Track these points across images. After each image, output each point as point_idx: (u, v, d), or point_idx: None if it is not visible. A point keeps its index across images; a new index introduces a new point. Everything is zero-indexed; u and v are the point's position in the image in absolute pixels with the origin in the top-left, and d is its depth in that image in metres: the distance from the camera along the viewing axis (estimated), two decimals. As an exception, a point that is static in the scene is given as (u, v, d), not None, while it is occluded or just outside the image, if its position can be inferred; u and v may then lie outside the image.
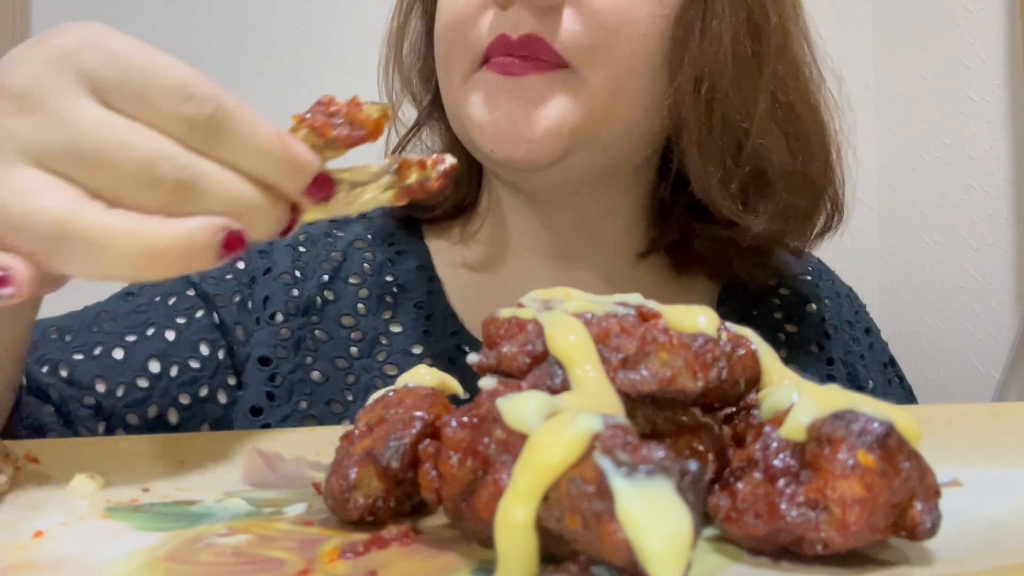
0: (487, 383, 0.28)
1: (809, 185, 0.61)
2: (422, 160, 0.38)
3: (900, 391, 0.71)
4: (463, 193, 0.68)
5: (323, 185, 0.36)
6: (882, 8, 1.60)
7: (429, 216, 0.68)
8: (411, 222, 0.69)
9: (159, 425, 0.60)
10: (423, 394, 0.34)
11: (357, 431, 0.33)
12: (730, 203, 0.59)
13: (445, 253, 0.68)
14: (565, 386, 0.28)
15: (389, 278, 0.67)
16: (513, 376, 0.30)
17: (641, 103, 0.57)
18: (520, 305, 0.33)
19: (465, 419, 0.28)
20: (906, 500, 0.26)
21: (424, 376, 0.36)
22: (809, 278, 0.72)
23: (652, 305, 0.32)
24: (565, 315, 0.30)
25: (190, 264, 0.32)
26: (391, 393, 0.35)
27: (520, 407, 0.26)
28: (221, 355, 0.62)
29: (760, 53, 0.57)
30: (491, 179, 0.67)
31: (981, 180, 1.28)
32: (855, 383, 0.68)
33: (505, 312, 0.32)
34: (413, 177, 0.37)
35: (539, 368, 0.29)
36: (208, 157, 0.33)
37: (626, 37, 0.55)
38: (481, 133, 0.56)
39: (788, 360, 0.36)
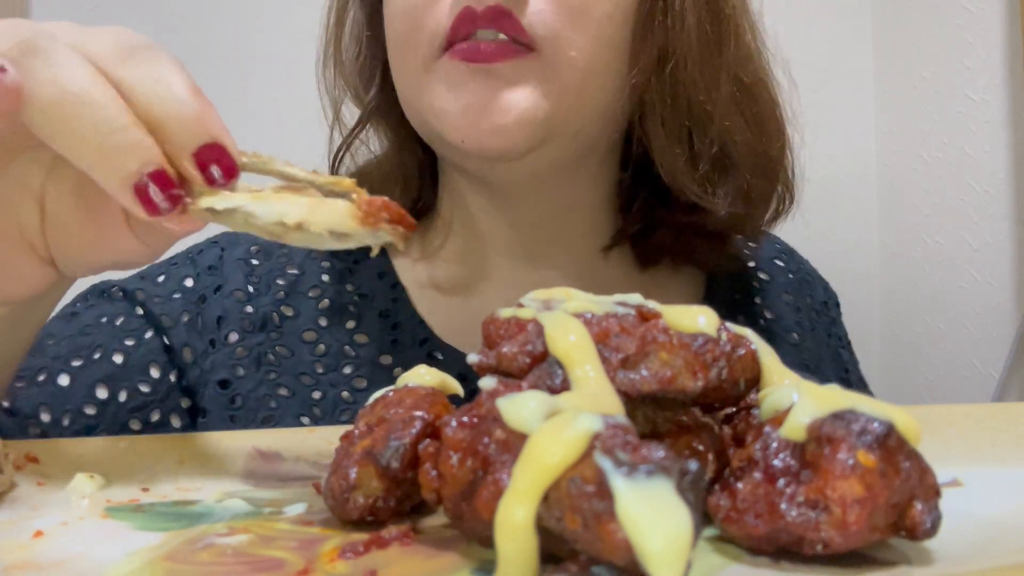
0: (487, 383, 0.28)
1: (770, 166, 0.61)
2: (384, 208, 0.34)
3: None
4: (413, 195, 0.65)
5: (220, 155, 0.33)
6: (882, 8, 1.60)
7: None
8: None
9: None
10: (423, 394, 0.34)
11: (357, 431, 0.33)
12: (696, 186, 0.58)
13: (407, 265, 0.66)
14: (565, 386, 0.28)
15: (349, 287, 0.64)
16: (513, 376, 0.30)
17: (608, 86, 0.56)
18: (520, 305, 0.33)
19: (465, 419, 0.28)
20: (906, 500, 0.26)
21: (424, 376, 0.36)
22: (781, 263, 0.72)
23: (652, 305, 0.32)
24: (565, 315, 0.30)
25: (109, 158, 0.32)
26: (391, 393, 0.35)
27: (520, 407, 0.26)
28: (172, 377, 0.59)
29: (720, 35, 0.57)
30: (452, 178, 0.64)
31: (981, 180, 1.28)
32: (813, 367, 0.68)
33: (505, 312, 0.32)
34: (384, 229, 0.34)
35: (539, 368, 0.29)
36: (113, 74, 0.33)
37: (592, 18, 0.53)
38: (449, 123, 0.53)
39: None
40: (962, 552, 0.28)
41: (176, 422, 0.59)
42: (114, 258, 0.39)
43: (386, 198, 0.34)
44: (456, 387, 0.37)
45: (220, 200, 0.33)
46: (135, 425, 0.57)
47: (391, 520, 0.31)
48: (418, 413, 0.32)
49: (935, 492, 0.27)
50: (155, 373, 0.58)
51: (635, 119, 0.59)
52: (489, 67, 0.52)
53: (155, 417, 0.58)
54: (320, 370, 0.61)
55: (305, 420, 0.59)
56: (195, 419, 0.60)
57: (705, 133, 0.58)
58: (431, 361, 0.61)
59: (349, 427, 0.34)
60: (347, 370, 0.61)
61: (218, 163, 0.33)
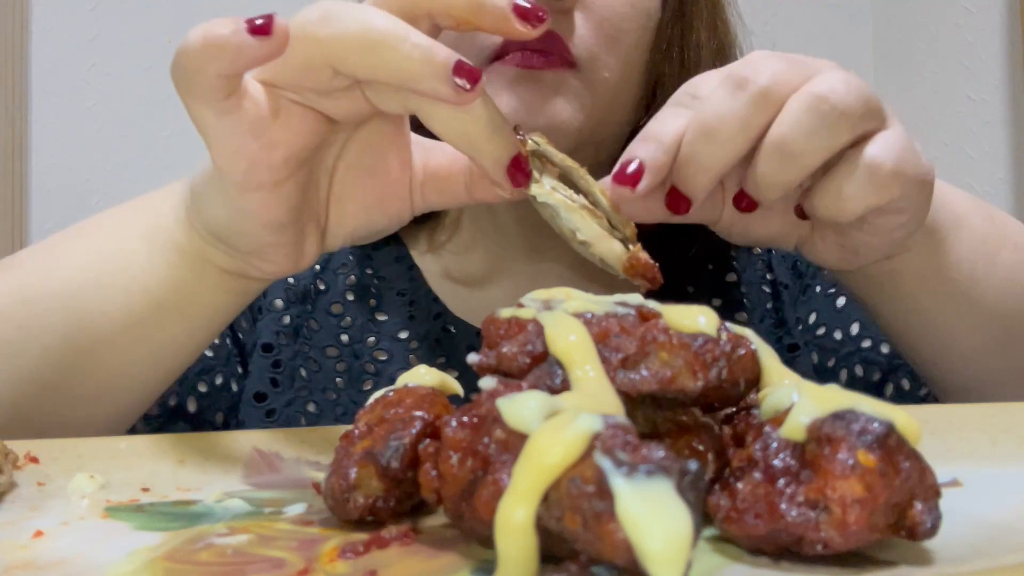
0: (487, 383, 0.28)
1: None
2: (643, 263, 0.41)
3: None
4: None
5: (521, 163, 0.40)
6: (882, 8, 1.60)
7: None
8: None
9: (177, 414, 0.61)
10: (423, 394, 0.34)
11: (357, 431, 0.33)
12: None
13: (419, 252, 0.70)
14: (565, 386, 0.28)
15: (369, 271, 0.69)
16: (513, 376, 0.30)
17: (632, 103, 0.62)
18: (520, 305, 0.33)
19: (465, 419, 0.28)
20: (906, 500, 0.26)
21: (424, 376, 0.36)
22: (732, 252, 0.73)
23: (652, 305, 0.32)
24: (565, 315, 0.30)
25: (416, 66, 0.36)
26: (391, 393, 0.35)
27: (520, 407, 0.26)
28: (230, 343, 0.65)
29: (723, 52, 0.64)
30: None
31: (981, 180, 1.28)
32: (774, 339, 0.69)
33: (505, 312, 0.32)
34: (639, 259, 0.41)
35: (539, 368, 0.29)
36: None
37: (622, 46, 0.59)
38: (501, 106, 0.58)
39: None
40: (962, 552, 0.28)
41: (234, 386, 0.65)
42: (385, 223, 0.46)
43: (647, 258, 0.41)
44: (456, 387, 0.37)
45: (541, 192, 0.41)
46: (202, 387, 0.63)
47: (391, 520, 0.31)
48: (418, 413, 0.32)
49: (935, 492, 0.27)
50: (217, 339, 0.63)
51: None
52: (539, 73, 0.56)
53: (219, 380, 0.63)
54: (345, 340, 0.66)
55: (330, 395, 0.64)
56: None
57: None
58: (445, 334, 0.65)
59: (349, 427, 0.34)
60: (371, 340, 0.66)
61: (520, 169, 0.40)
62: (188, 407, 0.62)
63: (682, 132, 0.42)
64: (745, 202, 0.44)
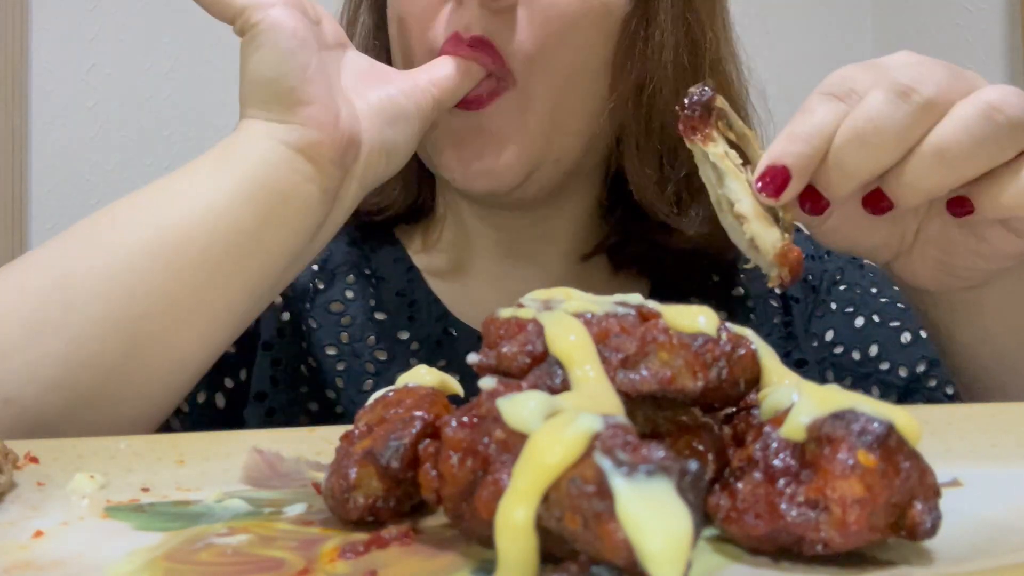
0: (487, 383, 0.28)
1: None
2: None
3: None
4: (414, 194, 0.70)
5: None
6: (882, 8, 1.60)
7: (382, 217, 0.69)
8: (372, 224, 0.71)
9: (207, 409, 0.62)
10: (423, 394, 0.34)
11: (357, 431, 0.33)
12: (665, 206, 0.62)
13: (416, 253, 0.70)
14: (565, 386, 0.28)
15: (367, 271, 0.68)
16: (513, 376, 0.30)
17: (582, 110, 0.60)
18: (520, 305, 0.33)
19: (465, 419, 0.28)
20: (906, 500, 0.26)
21: (424, 376, 0.36)
22: (740, 265, 0.72)
23: (652, 305, 0.32)
24: (565, 315, 0.30)
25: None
26: (391, 393, 0.35)
27: (520, 407, 0.26)
28: (246, 340, 0.64)
29: (696, 65, 0.61)
30: (445, 183, 0.68)
31: (981, 180, 1.28)
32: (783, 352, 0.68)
33: (505, 312, 0.32)
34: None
35: (539, 368, 0.29)
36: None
37: (570, 46, 0.57)
38: (443, 163, 0.60)
39: None
40: (962, 552, 0.28)
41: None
42: (409, 107, 0.53)
43: (801, 254, 0.40)
44: (456, 387, 0.37)
45: (715, 152, 0.41)
46: (229, 383, 0.63)
47: (391, 520, 0.31)
48: (418, 413, 0.32)
49: (935, 492, 0.27)
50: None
51: (614, 139, 0.63)
52: (478, 114, 0.57)
53: (243, 375, 0.64)
54: (345, 340, 0.65)
55: (330, 394, 0.64)
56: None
57: (676, 157, 0.61)
58: (446, 336, 0.65)
59: (349, 427, 0.34)
60: (371, 339, 0.65)
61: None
62: (216, 403, 0.63)
63: (833, 130, 0.41)
64: (884, 203, 0.43)
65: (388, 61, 0.62)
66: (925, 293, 0.50)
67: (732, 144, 0.43)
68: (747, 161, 0.43)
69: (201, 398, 0.62)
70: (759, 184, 0.41)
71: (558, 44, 0.56)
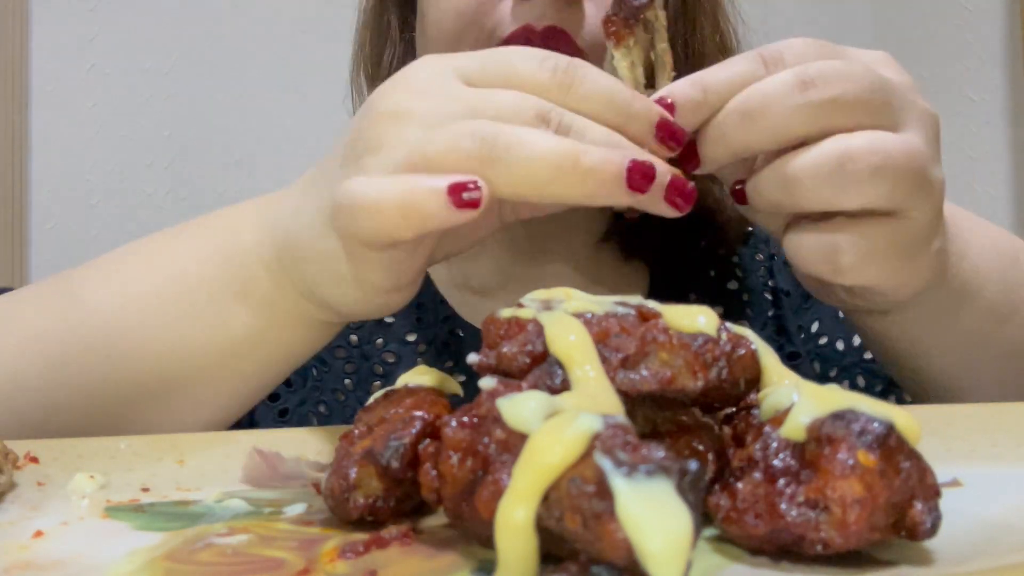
0: (487, 383, 0.28)
1: None
2: None
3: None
4: None
5: (673, 133, 0.39)
6: (882, 8, 1.60)
7: None
8: None
9: None
10: (423, 394, 0.34)
11: (357, 431, 0.33)
12: (713, 190, 0.63)
13: None
14: (565, 386, 0.28)
15: None
16: (513, 376, 0.30)
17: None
18: (520, 305, 0.33)
19: (465, 419, 0.28)
20: (906, 500, 0.26)
21: (424, 376, 0.36)
22: (735, 260, 0.72)
23: (652, 305, 0.32)
24: (565, 315, 0.30)
25: (602, 187, 0.36)
26: (391, 393, 0.35)
27: (520, 407, 0.26)
28: None
29: (726, 47, 0.64)
30: None
31: (981, 180, 1.28)
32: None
33: (505, 312, 0.32)
34: None
35: (539, 368, 0.29)
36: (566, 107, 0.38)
37: None
38: None
39: None
40: (962, 552, 0.28)
41: None
42: (475, 240, 0.46)
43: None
44: (456, 387, 0.37)
45: (618, 57, 0.41)
46: None
47: (391, 520, 0.31)
48: (418, 413, 0.32)
49: (935, 492, 0.27)
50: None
51: None
52: None
53: None
54: (354, 340, 0.65)
55: (339, 396, 0.64)
56: None
57: None
58: (453, 338, 0.65)
59: (349, 427, 0.34)
60: (379, 341, 0.65)
61: (672, 134, 0.40)
62: None
63: (737, 90, 0.40)
64: (694, 161, 0.42)
65: (414, 56, 0.62)
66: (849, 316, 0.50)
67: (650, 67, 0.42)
68: (652, 85, 0.42)
69: None
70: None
71: None
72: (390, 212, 0.37)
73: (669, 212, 0.38)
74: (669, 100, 0.40)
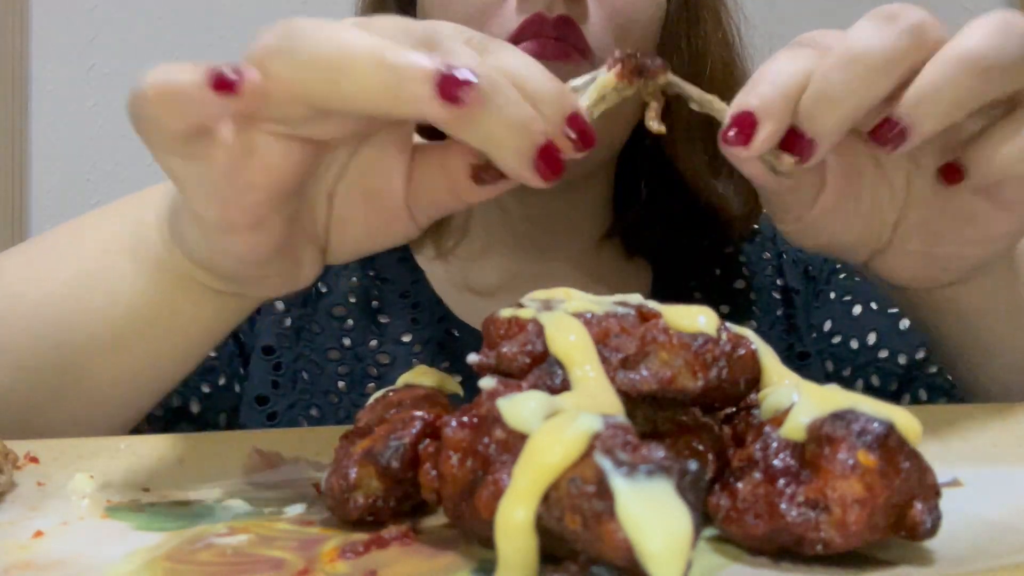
0: (487, 383, 0.28)
1: None
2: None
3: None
4: None
5: (584, 132, 0.35)
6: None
7: None
8: None
9: (180, 415, 0.61)
10: (423, 394, 0.34)
11: (357, 431, 0.33)
12: (718, 189, 0.64)
13: (424, 261, 0.69)
14: (565, 386, 0.28)
15: (371, 272, 0.68)
16: (513, 376, 0.30)
17: (637, 102, 0.59)
18: (520, 305, 0.33)
19: (465, 419, 0.28)
20: (906, 500, 0.26)
21: (424, 376, 0.36)
22: (741, 258, 0.72)
23: (652, 305, 0.32)
24: (565, 315, 0.30)
25: (404, 87, 0.31)
26: (391, 393, 0.35)
27: (520, 407, 0.26)
28: (232, 344, 0.64)
29: (730, 61, 0.64)
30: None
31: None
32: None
33: (505, 312, 0.32)
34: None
35: (539, 368, 0.29)
36: None
37: (635, 35, 0.59)
38: None
39: None
40: (962, 552, 0.28)
41: (237, 387, 0.64)
42: (386, 242, 0.41)
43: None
44: (456, 387, 0.37)
45: (590, 95, 0.38)
46: (205, 388, 0.62)
47: (391, 520, 0.31)
48: (418, 413, 0.32)
49: (935, 492, 0.27)
50: (210, 351, 0.61)
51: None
52: (555, 65, 0.52)
53: (222, 381, 0.63)
54: (347, 343, 0.65)
55: (332, 398, 0.63)
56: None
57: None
58: (449, 338, 0.64)
59: (349, 427, 0.34)
60: (373, 343, 0.64)
61: (583, 132, 0.35)
62: (191, 408, 0.61)
63: (801, 69, 0.36)
64: (896, 129, 0.36)
65: None
66: (908, 291, 0.47)
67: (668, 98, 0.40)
68: (715, 123, 0.39)
69: (176, 403, 0.61)
70: (728, 137, 0.36)
71: (625, 34, 0.58)
72: (147, 93, 0.33)
73: (512, 161, 0.34)
74: (744, 110, 0.36)
